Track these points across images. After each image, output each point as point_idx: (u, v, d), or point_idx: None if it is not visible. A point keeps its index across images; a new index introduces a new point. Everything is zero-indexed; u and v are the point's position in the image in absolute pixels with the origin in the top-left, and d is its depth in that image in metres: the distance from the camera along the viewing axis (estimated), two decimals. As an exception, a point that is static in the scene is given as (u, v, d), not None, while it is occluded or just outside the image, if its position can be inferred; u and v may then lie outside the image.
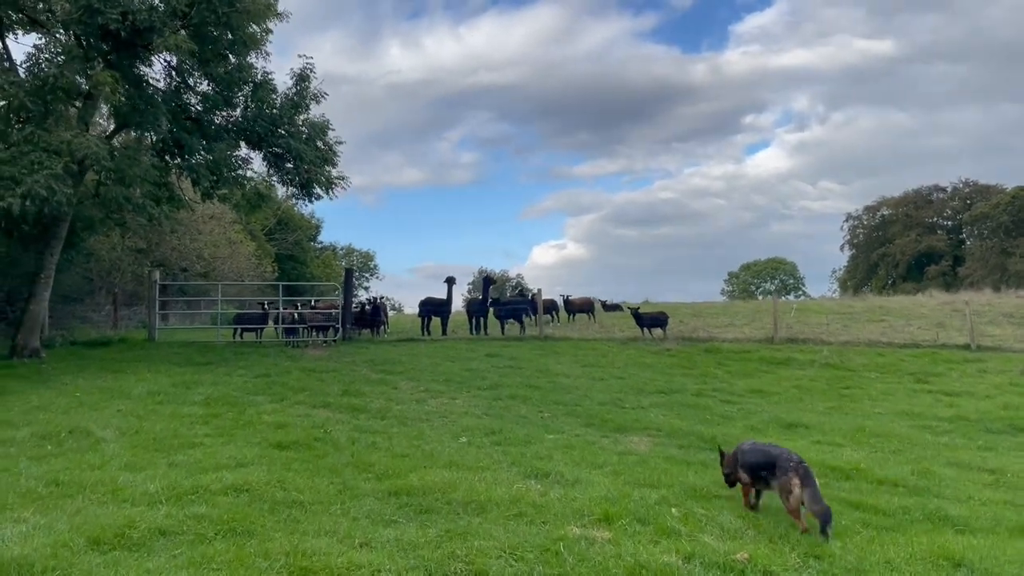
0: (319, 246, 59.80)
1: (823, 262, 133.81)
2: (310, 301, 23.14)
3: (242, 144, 19.10)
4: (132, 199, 15.35)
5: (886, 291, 66.02)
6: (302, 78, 19.56)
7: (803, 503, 6.03)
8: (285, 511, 6.29)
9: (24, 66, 14.80)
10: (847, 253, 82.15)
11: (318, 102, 19.73)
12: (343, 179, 20.68)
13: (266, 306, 21.04)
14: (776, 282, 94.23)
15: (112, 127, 18.11)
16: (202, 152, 17.56)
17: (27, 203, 13.16)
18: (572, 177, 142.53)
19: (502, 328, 22.66)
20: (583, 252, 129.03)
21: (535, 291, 25.68)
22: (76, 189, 16.10)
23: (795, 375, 16.46)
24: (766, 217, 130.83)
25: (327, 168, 19.95)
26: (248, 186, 18.74)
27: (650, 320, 22.29)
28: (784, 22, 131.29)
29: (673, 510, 6.47)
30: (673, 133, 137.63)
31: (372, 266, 71.91)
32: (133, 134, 17.67)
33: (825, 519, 5.89)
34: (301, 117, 19.70)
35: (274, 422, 10.13)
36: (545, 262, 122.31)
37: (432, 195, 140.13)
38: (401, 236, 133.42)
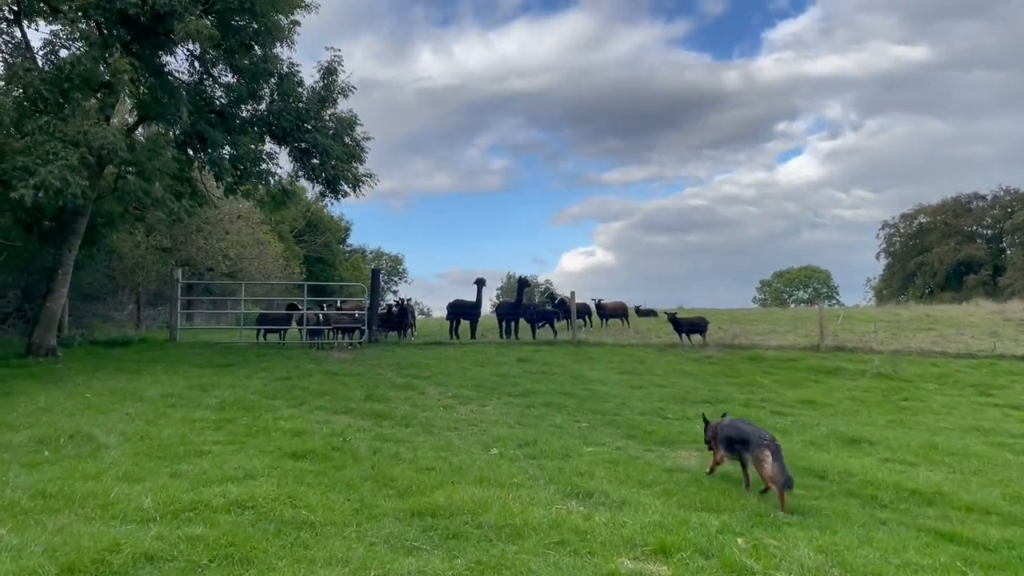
0: (348, 249, 59.46)
1: (856, 271, 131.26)
2: (336, 302, 22.47)
3: (267, 139, 18.51)
4: (151, 193, 14.75)
5: (923, 300, 64.09)
6: (329, 71, 18.94)
7: (775, 472, 6.92)
8: (293, 533, 5.50)
9: (41, 53, 14.30)
10: (883, 262, 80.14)
11: (346, 96, 19.11)
12: (371, 177, 20.03)
13: (300, 306, 20.43)
14: (809, 290, 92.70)
15: (133, 120, 17.55)
16: (226, 146, 16.94)
17: (40, 195, 12.59)
18: (602, 184, 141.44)
19: (533, 332, 21.80)
20: (612, 259, 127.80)
21: (561, 295, 24.82)
22: (95, 183, 15.59)
23: (846, 385, 15.39)
24: (798, 225, 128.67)
25: (354, 165, 19.30)
26: (272, 182, 18.10)
27: (688, 326, 21.30)
28: (818, 28, 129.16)
29: (739, 540, 5.57)
30: (704, 140, 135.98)
31: (401, 270, 71.62)
32: (156, 127, 17.10)
33: (787, 485, 6.84)
34: (328, 112, 19.09)
35: (290, 429, 9.39)
36: (574, 269, 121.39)
37: (461, 201, 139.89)
38: (430, 241, 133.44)
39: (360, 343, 19.74)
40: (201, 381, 13.06)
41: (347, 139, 19.10)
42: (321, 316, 19.85)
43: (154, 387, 12.28)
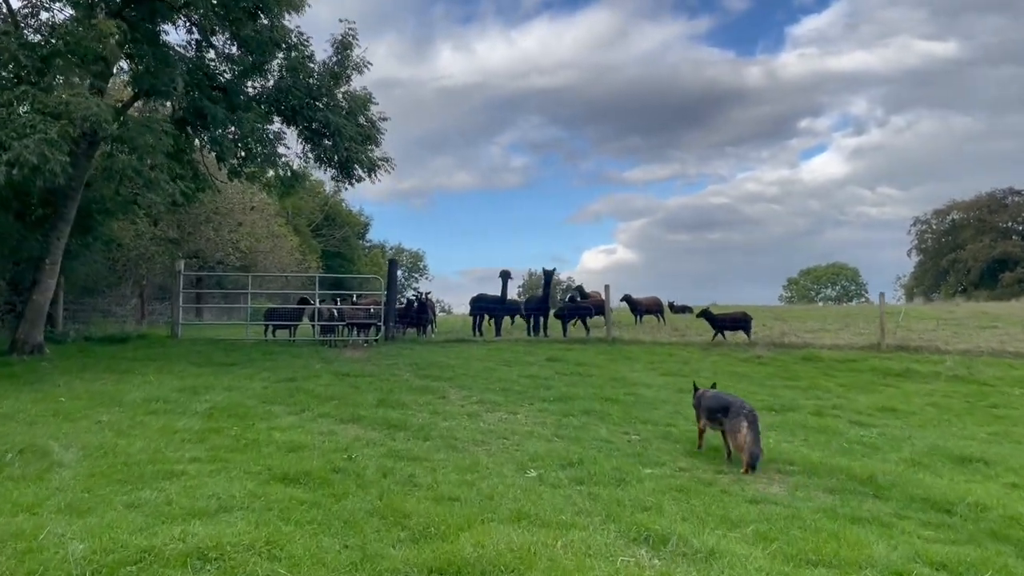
0: (367, 244, 58.06)
1: (882, 269, 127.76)
2: (352, 296, 20.93)
3: (275, 118, 17.00)
4: (143, 173, 13.25)
5: (957, 298, 61.71)
6: (343, 46, 17.39)
7: (747, 442, 7.28)
8: (263, 605, 3.94)
9: (21, 15, 12.87)
10: (914, 259, 77.64)
11: (361, 72, 17.56)
12: (387, 161, 18.48)
13: (311, 300, 18.94)
14: (837, 288, 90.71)
15: (128, 98, 16.08)
16: (229, 125, 15.43)
17: (15, 172, 11.15)
18: (623, 182, 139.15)
19: (564, 329, 20.14)
20: (634, 257, 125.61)
21: (584, 291, 23.11)
22: (85, 164, 14.21)
23: (923, 389, 13.61)
24: (821, 223, 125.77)
25: (369, 147, 17.74)
26: (280, 164, 16.57)
27: (730, 322, 19.56)
28: (842, 24, 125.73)
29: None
30: (726, 137, 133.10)
31: (422, 266, 70.26)
32: (153, 104, 15.68)
33: (754, 459, 7.26)
34: (341, 89, 17.55)
35: (286, 442, 7.84)
36: (595, 266, 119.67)
37: (482, 199, 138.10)
38: (451, 239, 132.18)
39: (376, 340, 18.21)
40: (195, 382, 11.58)
41: (361, 119, 17.56)
42: (335, 311, 18.34)
43: (140, 389, 10.82)
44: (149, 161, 13.46)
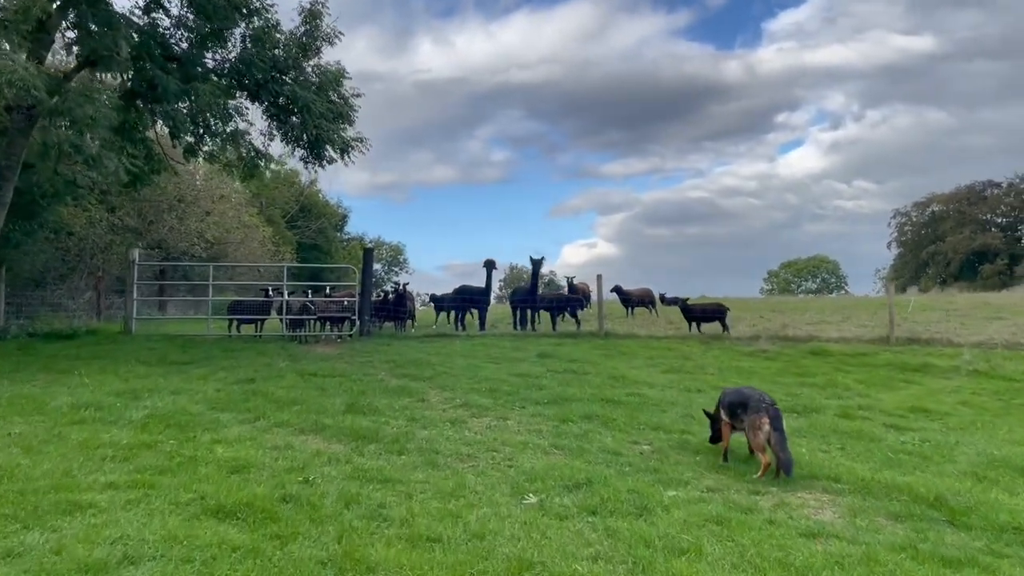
0: (346, 237, 56.23)
1: (859, 261, 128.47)
2: (325, 289, 19.45)
3: (237, 93, 15.51)
4: (84, 148, 11.73)
5: (936, 290, 61.32)
6: (312, 15, 15.93)
7: (770, 442, 6.46)
8: None
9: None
10: (894, 251, 77.44)
11: (332, 44, 16.13)
12: (362, 141, 17.04)
13: (273, 292, 17.45)
14: (818, 280, 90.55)
15: (71, 68, 14.48)
16: (184, 97, 13.89)
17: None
18: (602, 176, 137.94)
19: (553, 323, 18.81)
20: (614, 251, 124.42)
21: (573, 281, 21.79)
22: (20, 142, 12.68)
23: (947, 386, 12.45)
24: (799, 217, 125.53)
25: (342, 125, 16.28)
26: (243, 142, 15.07)
27: (699, 312, 18.48)
28: (820, 18, 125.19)
29: None
30: (705, 132, 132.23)
31: (402, 260, 68.59)
32: (102, 76, 14.14)
33: (787, 468, 6.38)
34: (311, 62, 16.08)
35: (230, 460, 6.47)
36: (576, 261, 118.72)
37: (462, 193, 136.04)
38: (431, 234, 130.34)
39: (350, 336, 16.79)
40: (139, 384, 10.17)
41: (333, 95, 16.10)
42: (305, 304, 16.88)
43: (71, 393, 9.37)
44: (90, 136, 11.93)
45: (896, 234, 77.69)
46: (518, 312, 19.00)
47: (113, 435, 7.30)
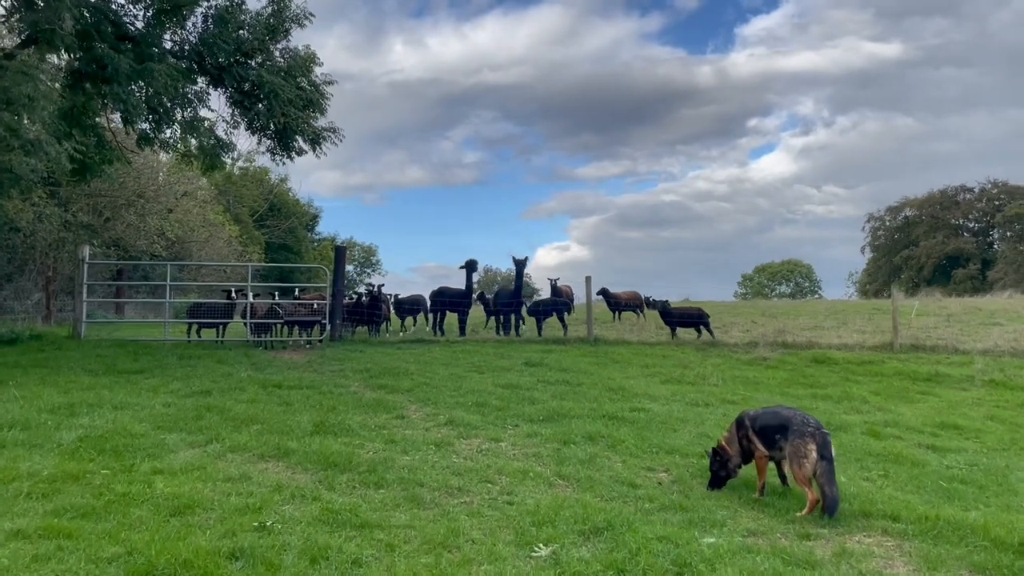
0: (317, 237, 54.73)
1: (829, 266, 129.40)
2: (293, 290, 18.19)
3: (198, 78, 14.27)
4: (20, 132, 10.45)
5: (909, 295, 61.53)
6: (281, -6, 14.72)
7: (815, 475, 5.53)
8: None
9: None
10: (867, 255, 77.74)
11: (302, 26, 14.90)
12: (334, 131, 15.87)
13: (235, 295, 16.16)
14: (792, 284, 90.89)
15: (13, 47, 13.14)
16: (138, 79, 12.62)
17: None
18: (575, 178, 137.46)
19: (539, 328, 17.71)
20: (587, 254, 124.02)
21: (556, 284, 20.79)
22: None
23: (967, 398, 11.60)
24: (770, 221, 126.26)
25: (312, 113, 15.11)
26: (203, 130, 13.81)
27: (678, 318, 17.68)
28: (791, 24, 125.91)
29: None
30: (677, 136, 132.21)
31: (375, 261, 67.19)
32: (47, 55, 12.81)
33: (832, 507, 5.40)
34: (279, 45, 14.88)
35: (171, 496, 5.32)
36: (549, 263, 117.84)
37: (435, 195, 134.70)
38: (403, 236, 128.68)
39: (320, 341, 15.58)
40: (79, 398, 8.92)
41: (303, 81, 14.92)
42: (272, 307, 15.64)
43: (-4, 410, 8.10)
44: (28, 119, 10.65)
45: (870, 239, 78.03)
46: (501, 316, 17.90)
47: (34, 464, 6.09)
